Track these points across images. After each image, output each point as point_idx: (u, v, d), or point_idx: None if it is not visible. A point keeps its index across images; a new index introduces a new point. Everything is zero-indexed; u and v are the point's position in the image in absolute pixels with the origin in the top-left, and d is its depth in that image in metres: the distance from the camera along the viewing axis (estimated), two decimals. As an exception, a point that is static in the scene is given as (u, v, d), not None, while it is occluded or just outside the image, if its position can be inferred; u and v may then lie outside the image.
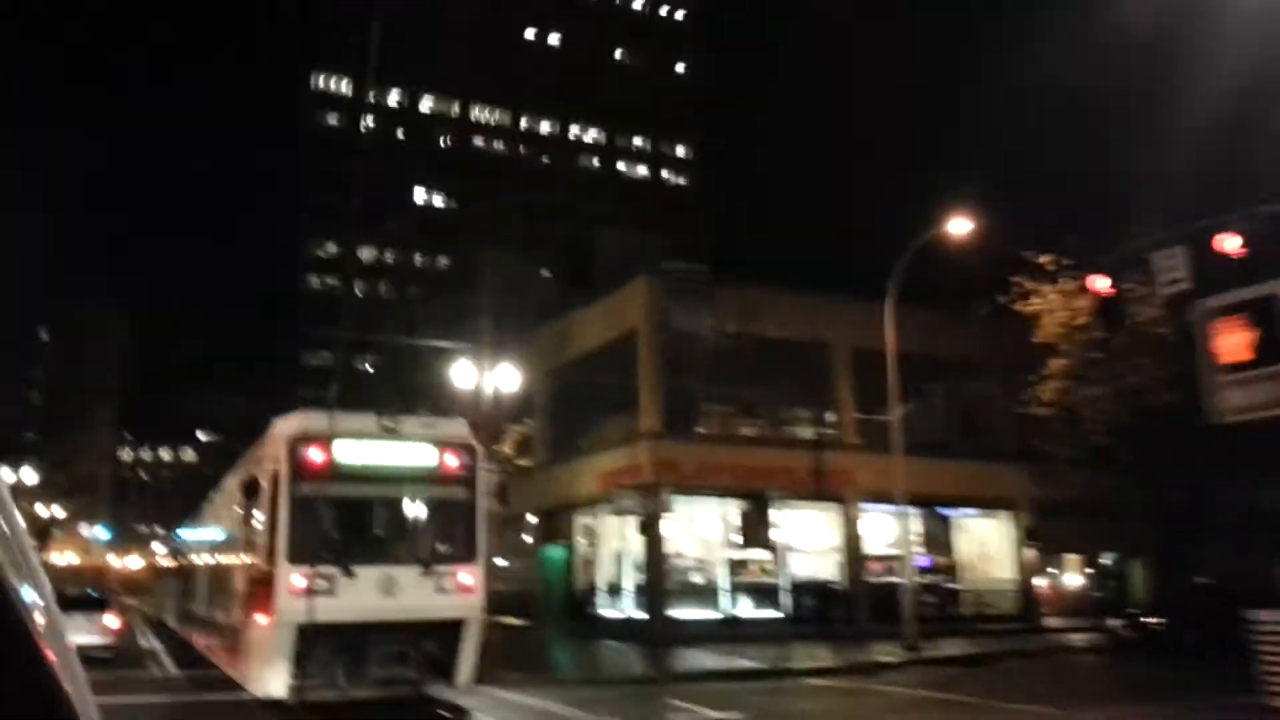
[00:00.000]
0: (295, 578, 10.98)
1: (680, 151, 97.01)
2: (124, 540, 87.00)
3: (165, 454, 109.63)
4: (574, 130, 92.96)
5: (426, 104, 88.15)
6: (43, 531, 46.72)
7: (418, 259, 68.37)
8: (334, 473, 11.77)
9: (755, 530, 24.86)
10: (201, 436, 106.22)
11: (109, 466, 69.49)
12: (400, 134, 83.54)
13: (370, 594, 11.25)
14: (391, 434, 12.22)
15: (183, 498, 63.99)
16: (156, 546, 50.84)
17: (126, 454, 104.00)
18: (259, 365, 79.67)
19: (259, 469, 12.16)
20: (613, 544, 27.55)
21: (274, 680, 11.10)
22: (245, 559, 13.27)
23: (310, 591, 10.95)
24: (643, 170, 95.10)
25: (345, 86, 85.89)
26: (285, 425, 12.25)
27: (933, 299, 26.66)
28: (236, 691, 12.74)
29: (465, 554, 12.23)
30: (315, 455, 11.62)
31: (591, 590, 28.54)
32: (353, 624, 11.19)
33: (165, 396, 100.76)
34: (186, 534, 26.30)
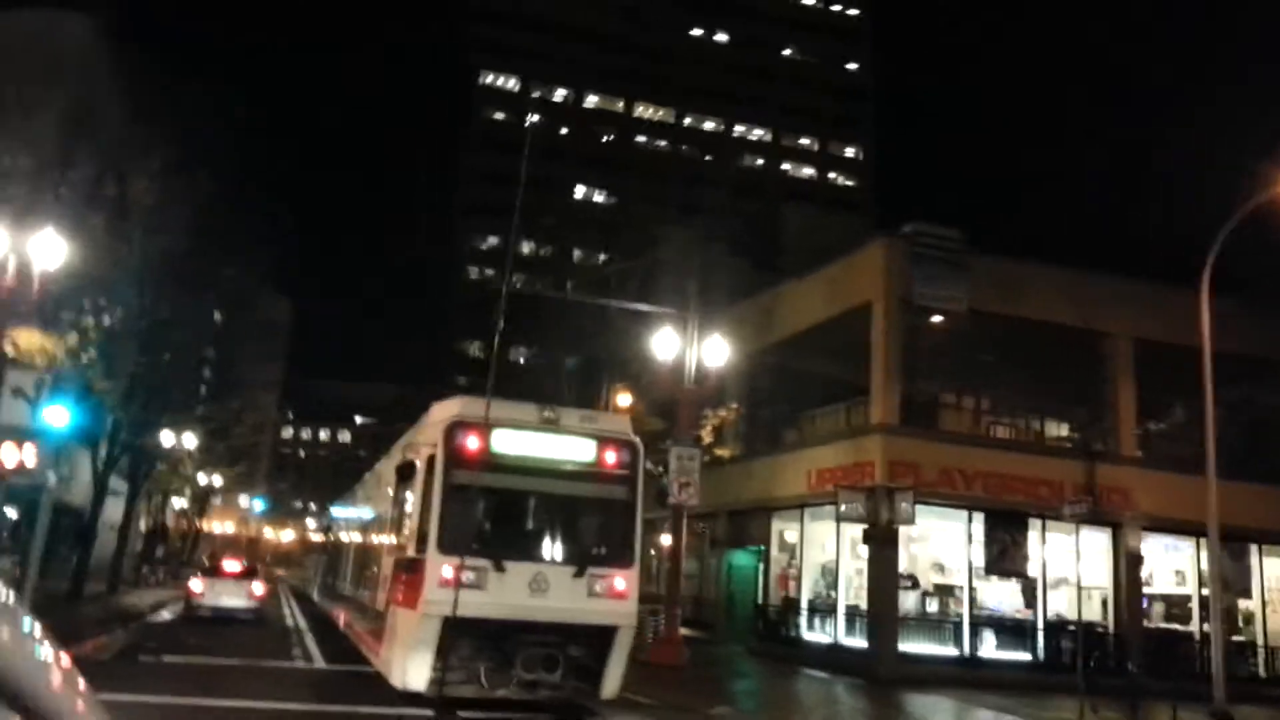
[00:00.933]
0: (445, 568, 10.71)
1: (849, 152, 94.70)
2: (279, 514, 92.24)
3: (323, 434, 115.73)
4: (739, 129, 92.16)
5: (591, 101, 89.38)
6: (201, 499, 49.58)
7: (576, 254, 69.10)
8: (490, 462, 11.48)
9: (1006, 554, 20.69)
10: (358, 419, 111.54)
11: (269, 441, 73.49)
12: (565, 131, 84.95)
13: (520, 591, 10.88)
14: (551, 426, 11.85)
15: (336, 477, 67.11)
16: (309, 522, 53.25)
17: (287, 432, 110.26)
18: (417, 353, 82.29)
19: (415, 453, 11.99)
20: (818, 555, 23.56)
21: (414, 672, 10.85)
22: (395, 544, 13.17)
23: (458, 584, 10.65)
24: (809, 171, 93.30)
25: (513, 84, 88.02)
26: (443, 410, 12.07)
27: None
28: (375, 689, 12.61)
29: (621, 557, 11.77)
30: (472, 442, 11.35)
31: (787, 607, 24.20)
32: (500, 621, 10.86)
33: (326, 380, 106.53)
34: (338, 512, 27.05)
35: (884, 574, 20.21)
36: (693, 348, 19.62)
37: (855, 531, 20.65)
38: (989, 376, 23.78)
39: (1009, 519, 20.76)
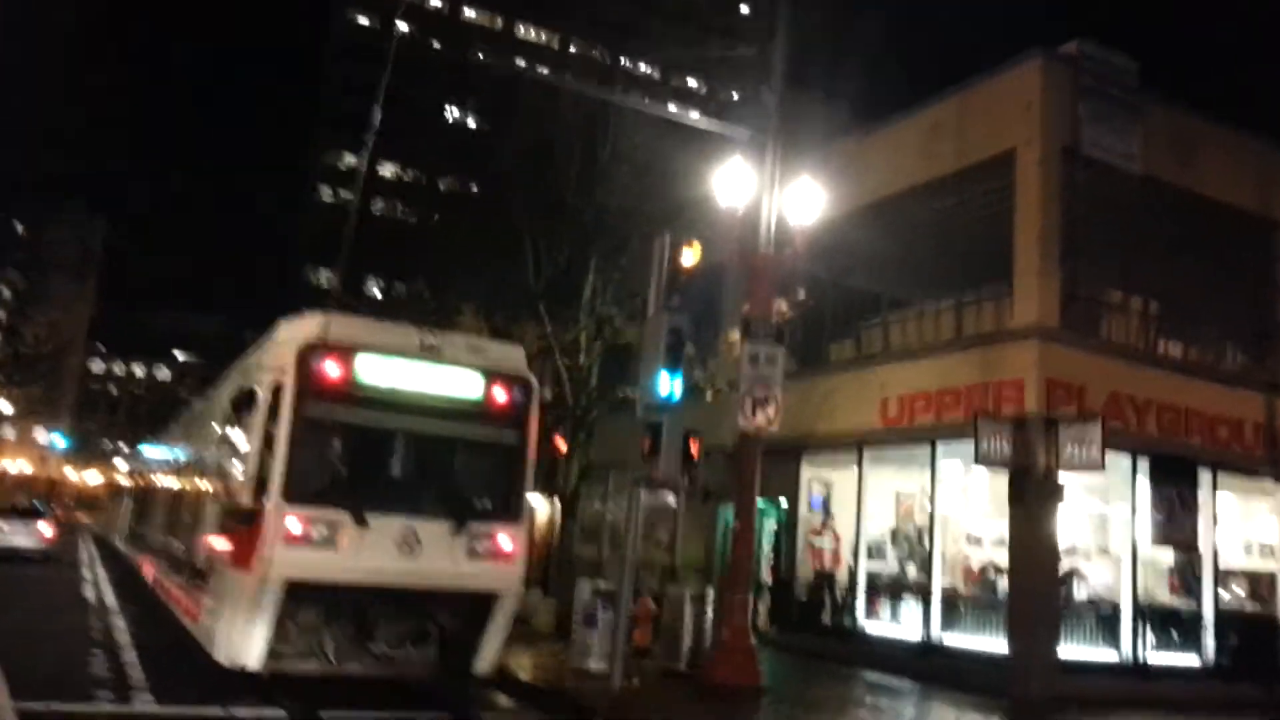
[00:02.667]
0: (290, 521, 9.04)
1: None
2: (86, 454, 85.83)
3: (139, 369, 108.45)
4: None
5: (468, 13, 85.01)
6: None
7: (443, 184, 65.34)
8: (353, 394, 9.81)
9: (1174, 517, 15.27)
10: (179, 356, 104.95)
11: (75, 370, 67.76)
12: (436, 45, 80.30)
13: (385, 551, 9.34)
14: (431, 354, 10.24)
15: (153, 419, 62.27)
16: (119, 463, 49.25)
17: (98, 366, 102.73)
18: (255, 282, 77.21)
19: (257, 380, 10.14)
20: (883, 514, 17.32)
21: (244, 646, 9.16)
22: (224, 489, 11.27)
23: (308, 540, 9.06)
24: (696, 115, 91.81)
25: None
26: (296, 328, 10.23)
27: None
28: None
29: (507, 511, 10.42)
30: (331, 369, 9.64)
31: (824, 586, 17.39)
32: (360, 586, 9.30)
33: (144, 308, 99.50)
34: (152, 451, 24.37)
35: (1039, 545, 14.17)
36: (771, 193, 12.92)
37: (956, 483, 15.81)
38: (1159, 271, 16.69)
39: (1179, 469, 15.42)
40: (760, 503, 17.29)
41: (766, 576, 18.60)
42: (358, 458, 10.25)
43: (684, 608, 13.38)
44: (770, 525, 19.02)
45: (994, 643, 14.31)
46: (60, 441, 65.41)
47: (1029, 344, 14.78)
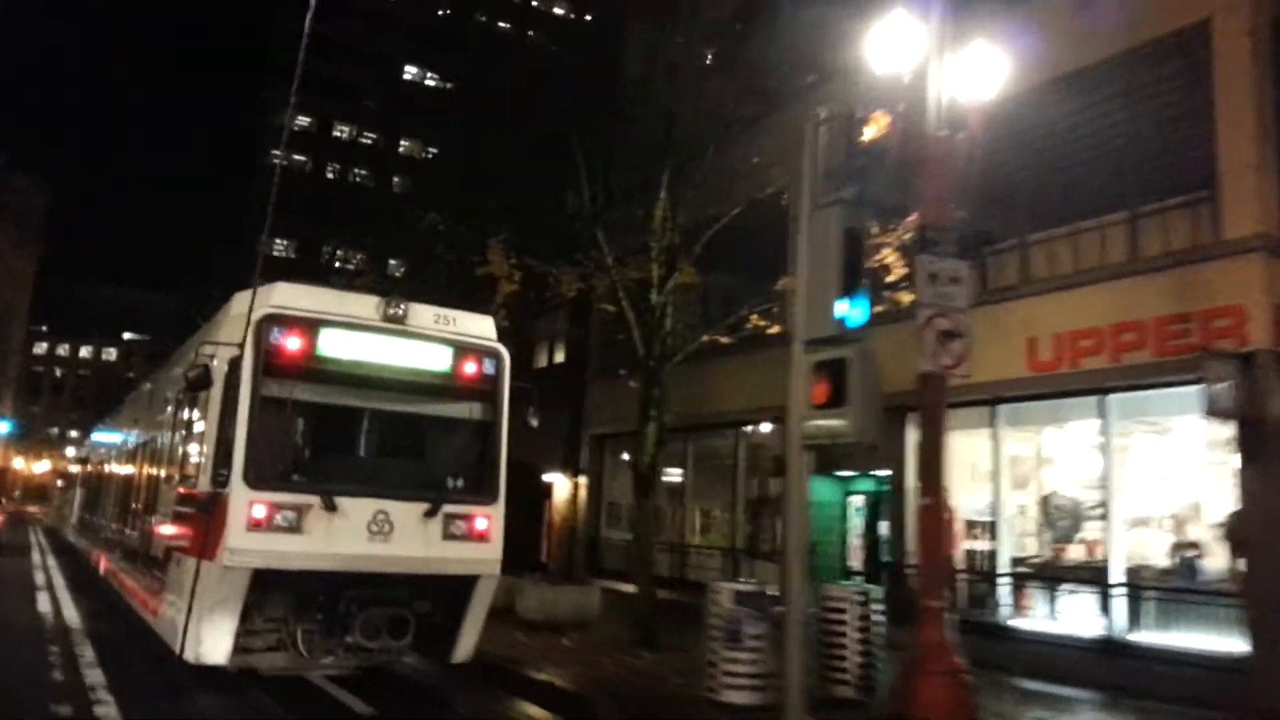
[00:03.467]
0: (255, 506, 8.68)
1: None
2: (31, 442, 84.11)
3: (84, 350, 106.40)
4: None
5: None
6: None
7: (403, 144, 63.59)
8: (316, 368, 9.45)
9: None
10: (126, 335, 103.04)
11: (17, 347, 65.95)
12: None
13: (356, 535, 9.01)
14: (396, 325, 9.84)
15: (99, 402, 60.99)
16: (69, 452, 48.22)
17: (40, 347, 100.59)
18: (206, 255, 74.96)
19: (212, 356, 9.66)
20: (1026, 481, 14.33)
21: (211, 641, 8.79)
22: (181, 474, 10.83)
23: (273, 526, 8.72)
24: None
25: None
26: (256, 299, 9.74)
27: None
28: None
29: (483, 490, 10.11)
30: (291, 342, 9.25)
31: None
32: (330, 573, 8.97)
33: (89, 284, 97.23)
34: (103, 436, 23.70)
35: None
36: (940, 59, 9.28)
37: (1134, 441, 13.04)
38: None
39: None
40: (829, 480, 16.89)
41: (854, 562, 17.02)
42: (322, 437, 9.90)
43: (849, 612, 10.18)
44: (856, 501, 17.46)
45: (1206, 640, 11.33)
46: (4, 425, 63.68)
47: (1249, 260, 11.55)
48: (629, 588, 16.26)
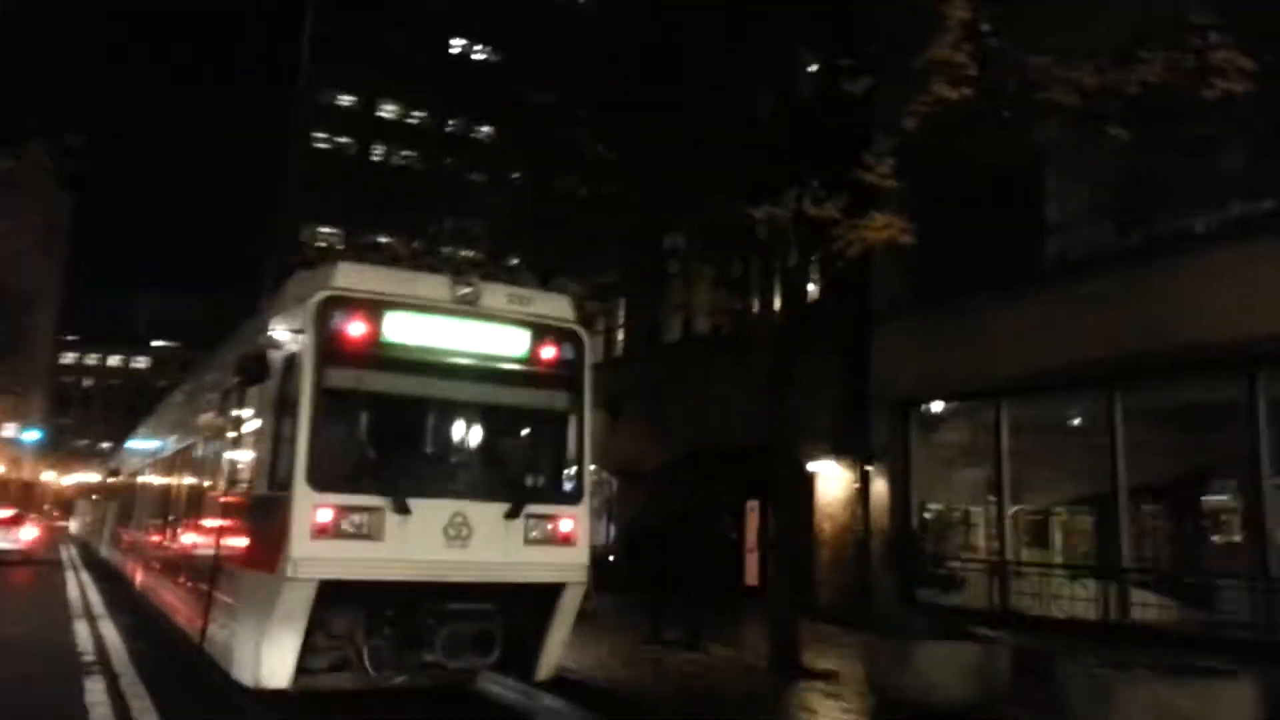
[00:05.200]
0: (320, 511, 7.99)
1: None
2: (61, 454, 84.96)
3: (114, 359, 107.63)
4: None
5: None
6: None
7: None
8: (383, 355, 8.76)
9: None
10: (156, 343, 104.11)
11: (45, 364, 66.45)
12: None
13: (432, 541, 8.32)
14: (468, 306, 9.13)
15: (130, 413, 61.02)
16: (101, 462, 48.34)
17: (68, 357, 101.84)
18: (239, 255, 74.61)
19: (267, 346, 9.02)
20: None
21: (273, 663, 8.13)
22: (233, 477, 10.20)
23: (339, 532, 8.05)
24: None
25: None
26: (313, 282, 9.10)
27: None
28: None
29: (567, 489, 9.43)
30: (355, 328, 8.57)
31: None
32: (405, 584, 8.28)
33: (117, 292, 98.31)
34: (139, 443, 23.32)
35: None
36: None
37: None
38: None
39: None
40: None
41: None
42: (391, 431, 9.19)
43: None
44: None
45: None
46: (34, 435, 63.98)
47: None
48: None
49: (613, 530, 18.95)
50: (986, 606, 13.45)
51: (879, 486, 15.58)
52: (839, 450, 17.15)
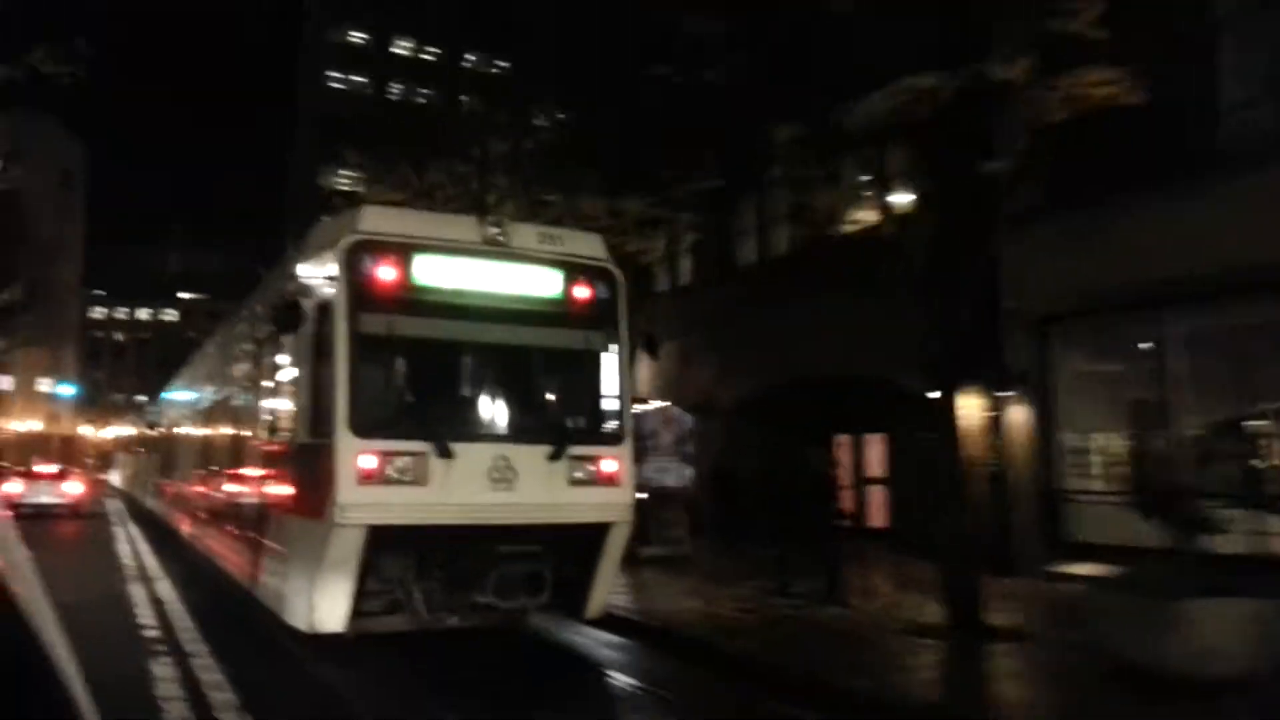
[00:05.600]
0: (364, 457, 8.06)
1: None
2: (97, 409, 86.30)
3: (143, 313, 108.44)
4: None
5: None
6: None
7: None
8: (415, 299, 8.77)
9: None
10: (183, 295, 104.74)
11: (75, 320, 67.06)
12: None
13: (477, 484, 8.39)
14: (499, 247, 9.08)
15: (163, 365, 61.76)
16: (137, 414, 49.13)
17: (98, 312, 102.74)
18: (257, 204, 74.13)
19: (298, 292, 9.05)
20: None
21: (327, 608, 8.29)
22: (274, 426, 10.31)
23: (385, 478, 8.13)
24: None
25: None
26: (338, 227, 9.10)
27: None
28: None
29: (609, 429, 9.47)
30: (385, 272, 8.58)
31: None
32: (452, 527, 8.36)
33: (139, 250, 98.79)
34: (176, 395, 23.62)
35: None
36: None
37: None
38: None
39: None
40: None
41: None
42: (428, 375, 9.24)
43: None
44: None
45: None
46: (68, 390, 64.93)
47: None
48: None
49: (688, 472, 17.59)
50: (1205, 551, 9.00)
51: (1016, 415, 14.31)
52: (968, 378, 15.09)
